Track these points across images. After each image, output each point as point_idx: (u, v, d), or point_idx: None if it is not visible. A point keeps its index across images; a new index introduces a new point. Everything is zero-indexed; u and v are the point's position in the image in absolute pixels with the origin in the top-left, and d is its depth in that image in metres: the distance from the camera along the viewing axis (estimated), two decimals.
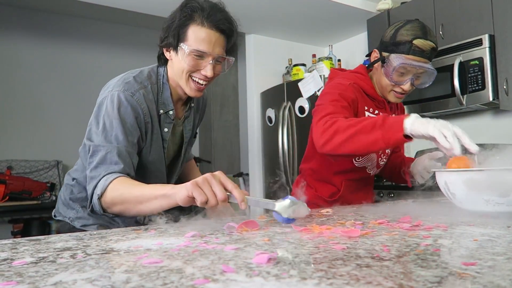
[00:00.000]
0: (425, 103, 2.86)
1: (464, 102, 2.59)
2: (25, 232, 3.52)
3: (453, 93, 2.64)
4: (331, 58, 3.68)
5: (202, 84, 1.18)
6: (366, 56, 1.59)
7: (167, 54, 1.21)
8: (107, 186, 1.02)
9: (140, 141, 1.17)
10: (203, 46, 1.12)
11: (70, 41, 4.37)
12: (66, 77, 4.33)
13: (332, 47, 3.88)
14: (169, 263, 0.55)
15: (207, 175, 0.88)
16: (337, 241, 0.68)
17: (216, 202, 0.85)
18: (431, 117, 3.08)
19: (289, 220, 0.86)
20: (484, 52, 2.51)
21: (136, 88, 1.16)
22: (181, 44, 1.13)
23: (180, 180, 1.43)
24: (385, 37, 1.40)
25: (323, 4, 3.29)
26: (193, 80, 1.17)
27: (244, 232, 0.81)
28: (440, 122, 1.05)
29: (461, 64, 2.60)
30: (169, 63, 1.23)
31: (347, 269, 0.50)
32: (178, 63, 1.16)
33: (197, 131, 1.52)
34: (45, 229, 3.59)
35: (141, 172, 1.23)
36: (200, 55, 1.13)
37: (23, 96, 4.09)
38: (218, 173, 0.90)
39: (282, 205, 0.86)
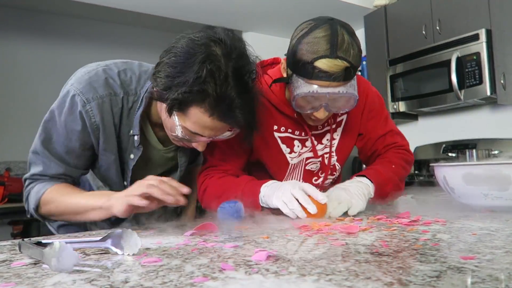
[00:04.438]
0: (422, 98, 2.86)
1: (461, 97, 2.60)
2: (25, 234, 3.52)
3: (450, 88, 2.64)
4: None
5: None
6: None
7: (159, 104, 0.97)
8: (40, 198, 0.96)
9: (84, 149, 1.01)
10: (203, 131, 0.91)
11: (69, 42, 4.35)
12: (65, 78, 4.20)
13: None
14: (168, 262, 0.55)
15: (142, 182, 0.85)
16: (336, 237, 0.68)
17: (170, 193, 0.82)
18: (429, 112, 3.11)
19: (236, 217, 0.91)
20: (481, 46, 2.51)
21: (98, 95, 0.97)
22: (176, 114, 0.90)
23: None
24: (290, 43, 1.01)
25: (320, 1, 3.28)
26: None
27: (243, 229, 0.81)
28: (284, 188, 0.95)
29: (458, 59, 2.60)
30: None
31: (346, 265, 0.50)
32: (168, 122, 0.94)
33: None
34: (44, 230, 3.59)
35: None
36: (194, 136, 0.94)
37: (21, 97, 4.08)
38: (149, 177, 0.87)
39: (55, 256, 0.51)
